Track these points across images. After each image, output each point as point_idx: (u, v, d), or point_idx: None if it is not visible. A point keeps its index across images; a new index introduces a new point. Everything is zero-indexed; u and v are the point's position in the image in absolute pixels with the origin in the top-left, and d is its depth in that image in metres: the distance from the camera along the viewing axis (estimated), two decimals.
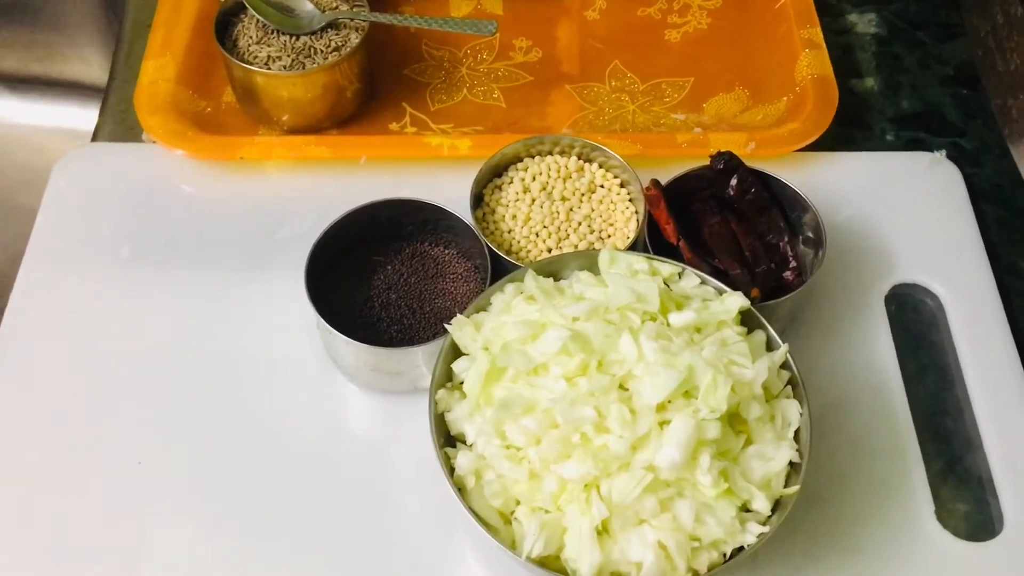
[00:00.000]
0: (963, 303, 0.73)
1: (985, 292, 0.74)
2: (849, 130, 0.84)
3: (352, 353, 0.65)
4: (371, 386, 0.68)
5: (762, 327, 0.61)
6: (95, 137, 0.83)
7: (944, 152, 0.82)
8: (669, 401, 0.54)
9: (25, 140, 1.13)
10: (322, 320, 0.64)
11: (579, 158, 0.75)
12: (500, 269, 0.68)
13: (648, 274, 0.62)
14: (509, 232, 0.71)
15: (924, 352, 0.72)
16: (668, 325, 0.59)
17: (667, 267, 0.63)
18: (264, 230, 0.76)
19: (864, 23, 0.93)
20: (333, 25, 0.80)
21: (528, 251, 0.71)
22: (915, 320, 0.74)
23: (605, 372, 0.56)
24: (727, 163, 0.71)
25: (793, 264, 0.70)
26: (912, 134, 0.85)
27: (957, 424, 0.69)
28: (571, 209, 0.72)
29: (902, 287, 0.75)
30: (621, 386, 0.56)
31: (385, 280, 0.70)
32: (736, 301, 0.60)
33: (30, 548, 0.62)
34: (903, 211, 0.78)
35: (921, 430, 0.68)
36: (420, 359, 0.65)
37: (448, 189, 0.71)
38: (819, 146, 0.80)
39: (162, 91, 0.80)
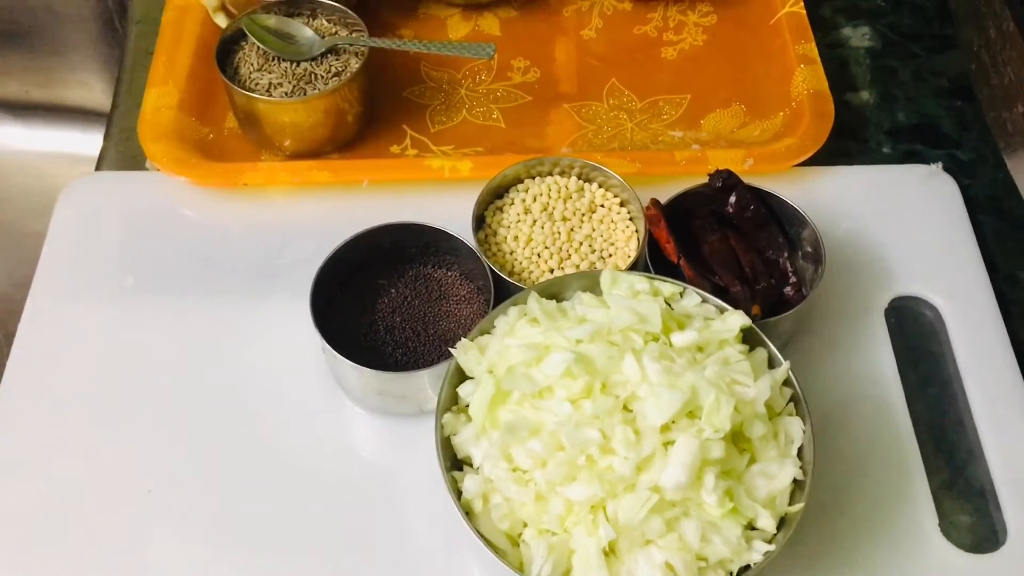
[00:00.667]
0: (962, 314, 0.74)
1: (984, 303, 0.74)
2: (845, 143, 0.85)
3: (358, 377, 0.66)
4: (377, 409, 0.69)
5: (763, 344, 0.62)
6: (99, 166, 0.83)
7: (940, 164, 0.82)
8: (673, 422, 0.55)
9: (28, 166, 1.14)
10: (327, 345, 0.65)
11: (579, 178, 0.75)
12: (503, 290, 0.68)
13: (649, 294, 0.62)
14: (511, 253, 0.72)
15: (925, 364, 0.73)
16: (670, 345, 0.59)
17: (668, 286, 0.63)
18: (268, 255, 0.77)
19: (858, 37, 0.93)
20: (333, 51, 0.81)
21: (530, 272, 0.71)
22: (915, 332, 0.74)
23: (609, 394, 0.56)
24: (725, 181, 0.72)
25: (793, 279, 0.70)
26: (908, 146, 0.85)
27: (959, 435, 0.69)
28: (572, 229, 0.73)
29: (902, 299, 0.75)
30: (625, 407, 0.56)
31: (389, 303, 0.71)
32: (737, 319, 0.61)
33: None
34: (901, 224, 0.79)
35: (923, 442, 0.68)
36: (426, 382, 0.65)
37: (450, 211, 0.72)
38: (816, 160, 0.80)
39: (165, 119, 0.81)
